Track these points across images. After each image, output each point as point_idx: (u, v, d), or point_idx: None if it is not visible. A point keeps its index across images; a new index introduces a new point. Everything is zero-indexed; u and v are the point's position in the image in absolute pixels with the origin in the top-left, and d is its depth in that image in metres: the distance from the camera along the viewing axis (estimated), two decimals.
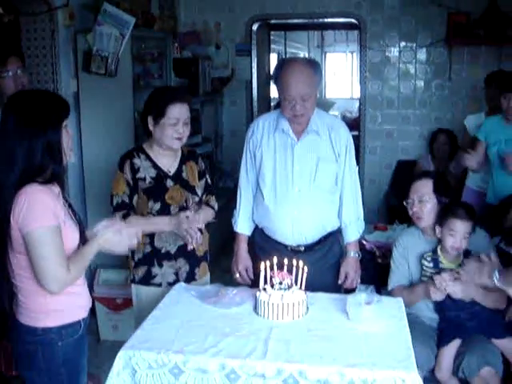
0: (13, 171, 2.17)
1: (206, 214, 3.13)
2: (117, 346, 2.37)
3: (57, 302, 2.27)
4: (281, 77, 2.97)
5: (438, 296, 3.03)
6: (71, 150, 2.34)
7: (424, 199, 3.24)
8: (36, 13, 4.28)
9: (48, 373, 2.31)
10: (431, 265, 3.13)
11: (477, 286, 2.98)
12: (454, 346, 3.07)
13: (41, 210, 2.16)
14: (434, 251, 3.16)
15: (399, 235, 3.45)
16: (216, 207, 3.24)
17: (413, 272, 3.27)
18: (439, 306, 3.15)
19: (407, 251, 3.30)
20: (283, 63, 3.08)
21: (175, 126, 2.96)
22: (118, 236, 2.34)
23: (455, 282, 2.97)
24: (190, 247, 3.01)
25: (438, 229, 3.15)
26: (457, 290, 2.99)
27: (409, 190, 3.33)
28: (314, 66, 3.01)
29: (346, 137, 3.15)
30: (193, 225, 2.94)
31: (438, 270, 3.09)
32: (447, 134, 5.88)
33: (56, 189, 2.29)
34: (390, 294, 3.29)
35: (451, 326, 3.10)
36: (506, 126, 4.14)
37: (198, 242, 2.99)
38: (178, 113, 2.96)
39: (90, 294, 4.32)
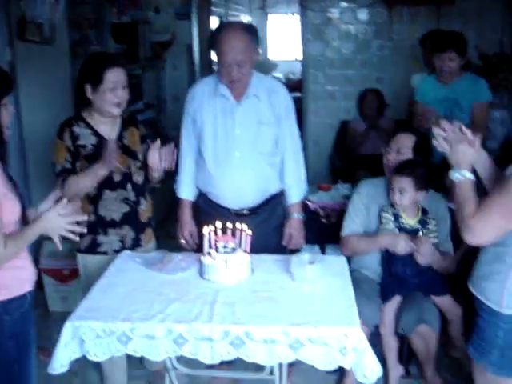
0: None
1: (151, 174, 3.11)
2: (66, 317, 2.35)
3: (1, 277, 2.24)
4: (217, 43, 2.96)
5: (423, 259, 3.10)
6: (8, 129, 2.32)
7: (402, 151, 3.28)
8: None
9: None
10: (392, 218, 3.18)
11: (438, 256, 3.11)
12: (394, 302, 3.17)
13: None
14: (393, 205, 3.20)
15: (364, 184, 3.45)
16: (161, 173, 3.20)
17: (372, 221, 3.31)
18: (386, 261, 3.22)
19: (369, 200, 3.34)
20: (219, 29, 3.06)
21: (114, 90, 2.92)
22: (58, 220, 2.29)
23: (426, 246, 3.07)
24: (112, 164, 2.89)
25: None
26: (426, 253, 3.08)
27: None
28: (250, 31, 3.00)
29: (285, 99, 3.16)
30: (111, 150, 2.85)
31: (399, 224, 3.16)
32: (374, 92, 5.98)
33: None
34: (343, 240, 3.33)
35: (394, 281, 3.19)
36: (439, 85, 4.21)
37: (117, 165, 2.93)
38: (116, 77, 2.92)
39: (36, 266, 4.31)
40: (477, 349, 2.38)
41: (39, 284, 4.43)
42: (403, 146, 3.30)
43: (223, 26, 3.11)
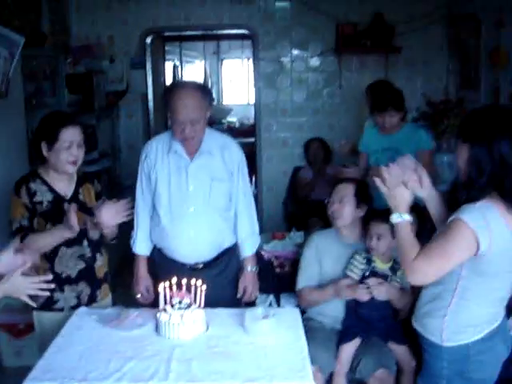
0: None
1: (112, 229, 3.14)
2: (21, 372, 2.36)
3: None
4: (171, 101, 3.03)
5: (365, 297, 3.21)
6: None
7: (344, 200, 3.41)
8: None
9: None
10: (364, 261, 3.27)
11: (395, 290, 3.23)
12: (354, 344, 3.25)
13: None
14: (367, 250, 3.31)
15: (313, 236, 3.59)
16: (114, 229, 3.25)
17: (327, 272, 3.41)
18: (355, 303, 3.30)
19: (320, 252, 3.45)
20: (173, 87, 3.16)
21: (69, 149, 2.97)
22: (22, 281, 2.30)
23: (381, 285, 3.20)
24: (76, 229, 2.90)
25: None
26: (382, 292, 3.20)
27: (331, 192, 3.50)
28: (203, 90, 3.09)
29: (238, 155, 3.25)
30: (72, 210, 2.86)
31: (370, 268, 3.26)
32: (319, 141, 6.17)
33: None
34: (298, 293, 3.46)
35: (358, 324, 3.27)
36: (381, 136, 4.40)
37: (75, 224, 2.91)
38: (71, 136, 2.98)
39: None
40: (426, 381, 2.55)
41: None
42: (344, 195, 3.43)
43: (176, 84, 3.21)
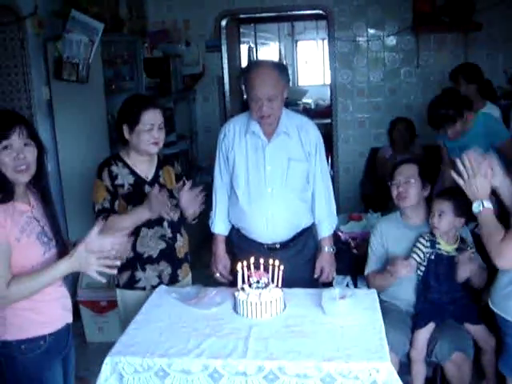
0: None
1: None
2: (103, 347, 2.43)
3: (14, 317, 2.28)
4: (248, 79, 3.06)
5: (408, 272, 3.17)
6: (20, 168, 2.28)
7: (410, 181, 3.36)
8: (4, 23, 4.31)
9: None
10: (428, 244, 3.23)
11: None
12: (428, 329, 3.20)
13: None
14: (432, 232, 3.26)
15: (377, 222, 3.60)
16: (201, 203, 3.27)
17: (393, 257, 3.35)
18: (423, 288, 3.26)
19: (385, 237, 3.44)
20: (250, 66, 3.19)
21: (150, 131, 3.02)
22: (87, 257, 2.30)
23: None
24: (167, 218, 3.06)
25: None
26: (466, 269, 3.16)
27: (392, 174, 3.46)
28: (280, 68, 3.10)
29: (315, 136, 3.24)
30: (160, 198, 2.94)
31: (435, 250, 3.21)
32: (405, 121, 6.03)
33: (19, 206, 2.29)
34: (366, 279, 3.47)
35: (430, 308, 3.23)
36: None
37: (170, 212, 3.05)
38: (152, 118, 3.03)
39: (74, 297, 4.43)
40: (507, 364, 2.47)
41: (77, 315, 4.54)
42: (410, 176, 3.38)
43: (253, 63, 3.22)
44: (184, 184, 3.22)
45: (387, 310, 3.11)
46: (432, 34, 6.47)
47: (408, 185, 3.36)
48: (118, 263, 2.52)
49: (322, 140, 3.28)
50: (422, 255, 3.23)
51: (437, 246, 3.22)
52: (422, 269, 3.25)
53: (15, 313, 2.27)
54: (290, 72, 3.16)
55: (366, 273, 3.49)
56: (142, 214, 2.96)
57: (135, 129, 3.02)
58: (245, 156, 3.19)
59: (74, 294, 4.53)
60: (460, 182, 2.43)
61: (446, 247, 3.22)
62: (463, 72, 4.94)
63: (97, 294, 4.44)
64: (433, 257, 3.22)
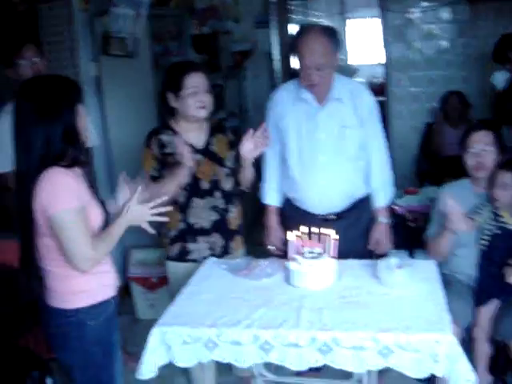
0: (32, 159, 2.17)
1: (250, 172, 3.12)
2: (154, 324, 2.37)
3: (85, 283, 2.28)
4: (297, 45, 2.94)
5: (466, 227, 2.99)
6: (87, 131, 2.35)
7: (487, 149, 3.16)
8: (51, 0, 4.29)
9: (82, 352, 2.32)
10: (492, 216, 3.05)
11: None
12: (492, 305, 3.03)
13: (64, 193, 2.17)
14: (492, 204, 3.08)
15: (447, 186, 3.37)
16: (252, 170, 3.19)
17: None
18: (485, 262, 3.08)
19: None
20: (300, 33, 3.04)
21: (196, 95, 2.94)
22: (139, 208, 2.32)
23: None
24: (189, 164, 2.93)
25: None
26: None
27: (466, 141, 3.23)
28: (330, 34, 2.96)
29: (369, 102, 3.10)
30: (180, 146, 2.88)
31: (498, 224, 3.03)
32: (458, 94, 5.81)
33: (78, 171, 2.30)
34: (427, 244, 3.27)
35: (493, 284, 3.05)
36: None
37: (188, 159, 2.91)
38: (196, 81, 2.95)
39: (125, 274, 4.42)
40: None
41: (127, 292, 4.53)
42: (487, 144, 3.17)
43: (303, 29, 3.08)
44: (237, 153, 3.12)
45: (448, 281, 2.96)
46: (489, 2, 6.17)
47: (486, 153, 3.16)
48: (170, 208, 2.48)
49: (376, 106, 3.15)
50: (483, 217, 3.04)
51: (500, 219, 3.04)
52: (483, 242, 3.07)
53: (86, 278, 2.27)
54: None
55: (425, 236, 3.29)
56: (175, 174, 2.89)
57: (180, 94, 2.94)
58: (296, 124, 3.07)
59: (124, 270, 4.52)
60: None
61: (510, 220, 3.03)
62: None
63: (148, 271, 4.41)
64: (499, 231, 3.03)
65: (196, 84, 2.94)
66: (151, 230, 2.38)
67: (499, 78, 4.88)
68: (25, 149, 2.19)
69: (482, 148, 3.17)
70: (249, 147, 2.95)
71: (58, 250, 2.22)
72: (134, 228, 2.35)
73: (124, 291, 4.56)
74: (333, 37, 2.97)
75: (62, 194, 2.16)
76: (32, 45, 3.51)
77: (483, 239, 3.07)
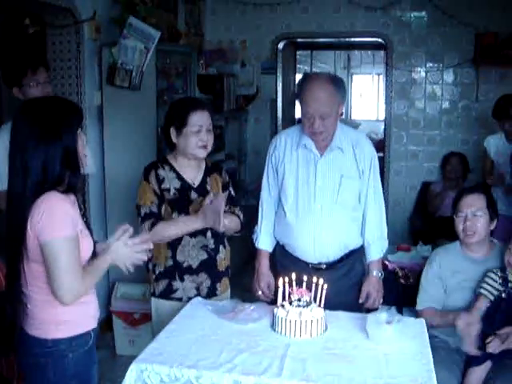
0: (29, 182, 2.11)
1: (232, 221, 3.06)
2: (133, 361, 2.30)
3: (68, 313, 2.22)
4: (302, 92, 2.93)
5: (496, 349, 2.88)
6: (86, 158, 2.31)
7: (478, 214, 3.14)
8: (62, 25, 4.31)
9: None
10: (500, 281, 3.00)
11: None
12: (485, 368, 2.96)
13: (61, 219, 2.12)
14: (503, 269, 3.03)
15: (436, 253, 3.35)
16: (242, 217, 3.16)
17: (453, 292, 3.18)
18: (486, 325, 2.98)
19: (445, 270, 3.21)
20: (306, 79, 3.02)
21: (198, 133, 2.93)
22: (125, 250, 2.28)
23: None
24: (221, 229, 2.92)
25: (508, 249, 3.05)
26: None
27: (457, 204, 3.22)
28: (336, 83, 2.94)
29: (370, 153, 3.08)
30: (218, 208, 2.84)
31: (508, 289, 2.98)
32: (459, 156, 5.85)
33: (73, 197, 2.25)
34: (418, 313, 3.22)
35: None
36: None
37: (224, 224, 2.88)
38: (200, 120, 2.94)
39: (108, 308, 4.35)
40: None
41: (108, 326, 4.45)
42: (478, 208, 3.16)
43: (309, 76, 3.08)
44: (231, 194, 3.12)
45: (436, 347, 2.90)
46: (493, 67, 6.26)
47: (476, 218, 3.14)
48: (151, 246, 2.42)
49: (377, 158, 3.13)
50: (493, 291, 2.99)
51: (509, 284, 2.99)
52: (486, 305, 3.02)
53: (69, 308, 2.19)
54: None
55: (418, 307, 3.25)
56: (193, 224, 2.88)
57: (183, 131, 2.93)
58: (295, 169, 3.05)
59: (107, 303, 4.44)
60: None
61: None
62: None
63: (131, 306, 4.34)
64: (504, 295, 2.98)
65: (200, 123, 2.93)
66: (127, 271, 2.33)
67: (491, 142, 4.93)
68: (22, 171, 2.13)
69: (472, 212, 3.15)
70: (210, 211, 2.90)
71: (44, 277, 2.16)
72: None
73: (105, 325, 4.47)
74: (338, 86, 2.95)
75: (58, 221, 2.11)
76: (44, 68, 3.51)
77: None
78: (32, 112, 2.18)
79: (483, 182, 5.28)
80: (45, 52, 4.36)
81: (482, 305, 2.99)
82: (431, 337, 2.72)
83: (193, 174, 3.05)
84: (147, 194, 2.96)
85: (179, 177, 3.01)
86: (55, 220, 2.10)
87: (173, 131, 2.96)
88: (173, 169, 3.01)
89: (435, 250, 3.40)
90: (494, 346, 2.86)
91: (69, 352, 2.23)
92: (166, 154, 3.12)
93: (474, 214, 3.15)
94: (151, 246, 2.41)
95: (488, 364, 2.95)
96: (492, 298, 2.99)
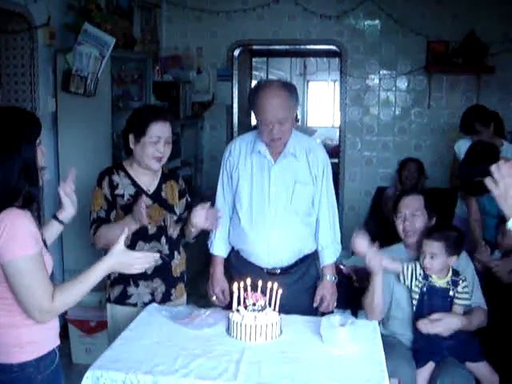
0: None
1: (188, 227, 3.08)
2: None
3: (31, 334, 2.11)
4: (257, 101, 2.94)
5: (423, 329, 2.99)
6: (44, 169, 2.20)
7: (416, 214, 3.24)
8: (16, 31, 4.26)
9: None
10: (421, 273, 3.08)
11: (458, 317, 2.99)
12: (428, 368, 3.04)
13: (23, 237, 2.00)
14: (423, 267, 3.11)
15: (383, 250, 3.36)
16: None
17: (395, 290, 3.21)
18: (416, 322, 3.08)
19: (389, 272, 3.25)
20: (258, 87, 3.03)
21: (156, 144, 2.92)
22: (127, 255, 2.25)
23: (435, 324, 2.96)
24: (146, 224, 2.90)
25: None
26: (440, 330, 2.97)
27: (396, 206, 3.32)
28: (289, 89, 2.98)
29: (323, 159, 3.13)
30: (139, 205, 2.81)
31: (427, 283, 3.06)
32: (416, 162, 5.97)
33: (29, 212, 2.11)
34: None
35: (427, 345, 3.06)
36: None
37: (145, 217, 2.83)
38: (160, 131, 2.93)
39: (63, 316, 4.29)
40: None
41: (64, 334, 4.39)
42: (416, 209, 3.25)
43: (262, 84, 3.09)
44: (187, 201, 3.13)
45: (390, 343, 2.97)
46: (444, 74, 6.42)
47: (414, 218, 3.24)
48: (158, 255, 2.46)
49: (329, 165, 3.18)
50: (406, 276, 3.10)
51: (429, 278, 3.08)
52: (414, 302, 3.10)
53: (31, 329, 2.10)
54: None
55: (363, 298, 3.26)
56: (129, 223, 2.82)
57: (141, 140, 2.92)
58: (249, 176, 3.08)
59: (63, 312, 4.39)
60: (495, 192, 2.21)
61: (438, 281, 3.07)
62: (478, 116, 4.94)
63: (86, 314, 4.29)
64: (425, 289, 3.07)
65: (159, 134, 2.92)
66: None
67: (462, 146, 5.03)
68: None
69: (410, 213, 3.23)
70: (201, 218, 2.93)
71: (9, 298, 2.06)
72: (75, 266, 2.26)
73: (61, 333, 4.42)
74: (291, 91, 2.99)
75: (20, 239, 1.99)
76: None
77: (413, 298, 3.10)
78: None
79: (452, 184, 5.39)
80: None
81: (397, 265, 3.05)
82: (384, 336, 2.78)
83: (148, 180, 3.05)
84: (97, 199, 2.97)
85: (134, 183, 3.01)
86: (18, 238, 1.99)
87: (131, 138, 2.96)
88: (128, 175, 3.02)
89: (381, 251, 3.45)
90: (423, 327, 2.96)
91: (37, 374, 2.12)
92: (122, 160, 3.11)
93: (412, 214, 3.24)
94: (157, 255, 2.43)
95: (431, 364, 3.03)
96: (405, 271, 3.09)
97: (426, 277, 3.08)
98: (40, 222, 2.35)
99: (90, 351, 4.31)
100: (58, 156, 4.58)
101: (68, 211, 2.46)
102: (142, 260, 2.30)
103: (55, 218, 2.42)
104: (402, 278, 3.11)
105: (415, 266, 3.11)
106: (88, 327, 4.32)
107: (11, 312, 2.08)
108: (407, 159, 6.11)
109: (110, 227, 2.91)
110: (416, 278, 3.09)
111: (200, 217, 2.92)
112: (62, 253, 4.68)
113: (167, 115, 3.07)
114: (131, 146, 2.97)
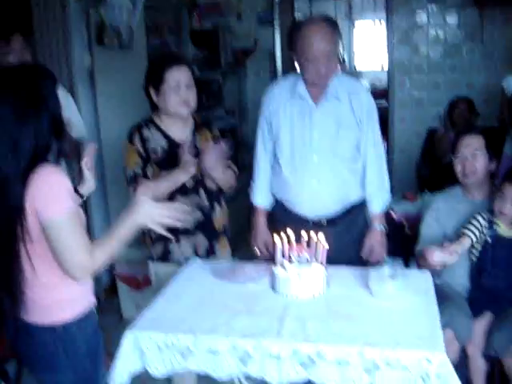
0: (20, 159, 1.94)
1: (226, 173, 2.96)
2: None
3: (70, 292, 2.10)
4: (300, 37, 2.78)
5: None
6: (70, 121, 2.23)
7: (477, 154, 3.05)
8: None
9: (74, 369, 2.13)
10: (486, 225, 2.90)
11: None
12: (485, 319, 2.91)
13: (61, 193, 1.97)
14: (491, 211, 2.92)
15: (435, 198, 3.28)
16: (236, 170, 3.06)
17: (452, 235, 3.05)
18: (476, 272, 2.96)
19: (444, 214, 3.13)
20: (300, 23, 2.90)
21: (177, 90, 2.81)
22: (154, 207, 2.15)
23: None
24: (192, 171, 2.79)
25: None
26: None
27: (455, 146, 3.14)
28: (332, 24, 2.85)
29: (367, 101, 2.95)
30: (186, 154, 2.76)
31: (493, 232, 2.88)
32: (467, 102, 5.69)
33: (62, 166, 2.14)
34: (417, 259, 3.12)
35: (484, 295, 2.93)
36: None
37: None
38: (177, 76, 2.82)
39: (112, 272, 4.29)
40: None
41: (114, 290, 4.40)
42: (477, 148, 3.06)
43: (304, 21, 2.94)
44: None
45: (445, 292, 2.82)
46: (497, 7, 6.04)
47: (474, 158, 3.05)
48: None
49: (375, 107, 3.00)
50: (478, 234, 2.89)
51: (495, 227, 2.89)
52: (475, 252, 2.93)
53: (70, 287, 2.08)
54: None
55: (416, 251, 3.15)
56: (178, 176, 2.75)
57: (161, 89, 2.81)
58: (290, 121, 2.93)
59: (111, 268, 4.39)
60: None
61: (506, 231, 2.89)
62: None
63: (133, 270, 4.27)
64: (490, 239, 2.89)
65: (177, 78, 2.81)
66: (169, 235, 2.29)
67: (511, 82, 4.75)
68: (10, 149, 1.94)
69: (470, 153, 3.05)
70: (210, 162, 2.80)
71: (47, 256, 2.02)
72: None
73: (110, 289, 4.43)
74: (334, 27, 2.87)
75: (58, 195, 1.96)
76: (19, 35, 3.34)
77: (474, 248, 2.93)
78: (8, 86, 2.00)
79: (501, 122, 5.14)
80: (30, 16, 4.20)
81: (465, 241, 2.88)
82: (438, 284, 2.65)
83: (180, 131, 2.93)
84: (131, 156, 2.87)
85: (166, 136, 2.90)
86: (56, 194, 1.96)
87: (152, 90, 2.86)
88: (159, 128, 2.91)
89: (435, 196, 3.31)
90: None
91: (79, 333, 2.12)
92: (151, 115, 3.00)
93: (472, 154, 3.06)
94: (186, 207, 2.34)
95: (487, 315, 2.90)
96: (474, 238, 2.88)
97: (491, 226, 2.90)
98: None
99: (139, 306, 4.28)
100: (96, 111, 4.50)
101: (88, 185, 2.40)
102: (171, 210, 2.19)
103: (75, 190, 2.33)
104: (472, 235, 2.90)
105: (478, 220, 2.92)
106: (136, 282, 4.31)
107: (52, 269, 2.04)
108: (457, 99, 5.84)
109: (156, 183, 2.80)
110: (481, 232, 2.90)
111: (209, 162, 2.80)
112: (108, 210, 4.68)
113: (182, 59, 2.98)
114: (154, 99, 2.88)
